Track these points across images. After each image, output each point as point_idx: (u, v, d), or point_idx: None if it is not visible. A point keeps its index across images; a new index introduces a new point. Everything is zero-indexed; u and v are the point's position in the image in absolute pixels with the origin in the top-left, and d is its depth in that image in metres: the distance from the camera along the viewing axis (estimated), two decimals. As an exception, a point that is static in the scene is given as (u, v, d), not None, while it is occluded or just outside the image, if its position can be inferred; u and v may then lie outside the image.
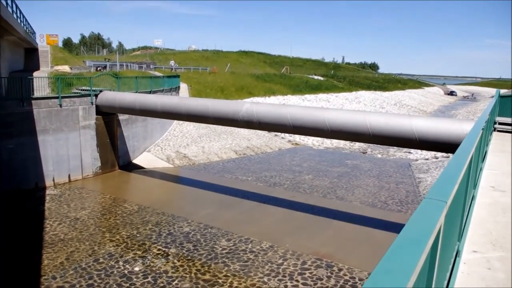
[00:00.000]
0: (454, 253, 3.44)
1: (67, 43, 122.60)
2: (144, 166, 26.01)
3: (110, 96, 23.26)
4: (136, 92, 26.41)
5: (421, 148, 14.54)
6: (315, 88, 65.48)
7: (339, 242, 15.55)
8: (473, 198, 5.34)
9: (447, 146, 13.48)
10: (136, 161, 26.75)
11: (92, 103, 23.42)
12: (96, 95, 23.59)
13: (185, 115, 19.56)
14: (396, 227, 17.09)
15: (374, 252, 14.37)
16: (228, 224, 16.98)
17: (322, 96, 61.24)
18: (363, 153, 32.08)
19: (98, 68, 36.74)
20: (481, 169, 7.05)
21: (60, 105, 21.88)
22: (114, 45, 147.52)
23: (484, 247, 3.91)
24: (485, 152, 8.59)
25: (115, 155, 25.18)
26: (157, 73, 45.00)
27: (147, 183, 23.05)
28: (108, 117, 24.38)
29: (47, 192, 20.89)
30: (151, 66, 49.24)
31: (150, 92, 28.19)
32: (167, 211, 18.47)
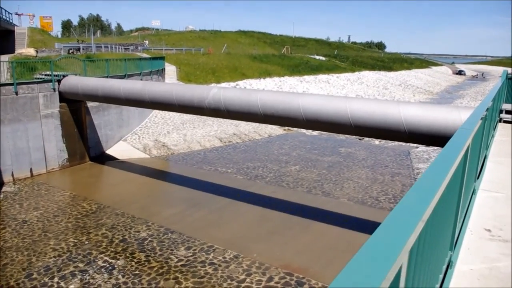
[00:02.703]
0: None
1: (66, 25, 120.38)
2: (118, 157, 23.88)
3: (73, 81, 21.00)
4: (107, 77, 24.12)
5: (412, 142, 12.19)
6: (316, 69, 62.66)
7: (316, 251, 13.33)
8: (450, 265, 3.06)
9: (442, 140, 11.12)
10: (109, 151, 24.61)
11: (54, 89, 21.18)
12: (58, 81, 21.34)
13: (148, 102, 17.29)
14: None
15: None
16: (192, 228, 14.84)
17: (322, 77, 58.49)
18: (360, 139, 29.66)
19: (70, 51, 34.24)
20: (473, 192, 4.74)
21: (16, 93, 19.65)
22: (113, 26, 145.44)
23: None
24: (485, 158, 6.24)
25: (84, 146, 23.04)
26: (145, 55, 42.63)
27: (116, 177, 20.94)
28: (74, 105, 22.17)
29: (3, 189, 18.87)
30: (140, 48, 46.64)
31: (124, 76, 25.90)
32: (128, 211, 16.36)
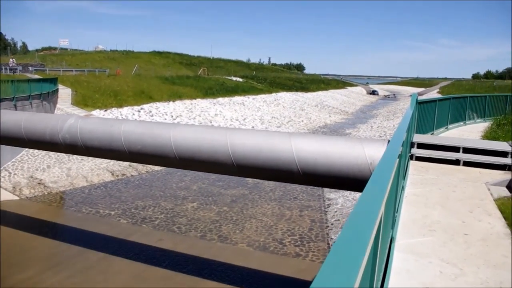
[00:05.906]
0: None
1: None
2: (-23, 201, 19.46)
3: None
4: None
5: (308, 184, 9.80)
6: (231, 90, 60.56)
7: (197, 325, 10.40)
8: None
9: (344, 182, 8.80)
10: (-32, 193, 20.08)
11: None
12: None
13: (-8, 136, 13.55)
14: (288, 286, 12.28)
15: None
16: (40, 302, 11.30)
17: (237, 99, 56.42)
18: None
19: None
20: None
21: None
22: (19, 46, 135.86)
23: None
24: (391, 241, 3.73)
25: None
26: (37, 76, 37.90)
27: (-36, 229, 16.65)
28: None
29: None
30: (31, 69, 41.50)
31: (-10, 102, 21.65)
32: (-40, 280, 12.40)
